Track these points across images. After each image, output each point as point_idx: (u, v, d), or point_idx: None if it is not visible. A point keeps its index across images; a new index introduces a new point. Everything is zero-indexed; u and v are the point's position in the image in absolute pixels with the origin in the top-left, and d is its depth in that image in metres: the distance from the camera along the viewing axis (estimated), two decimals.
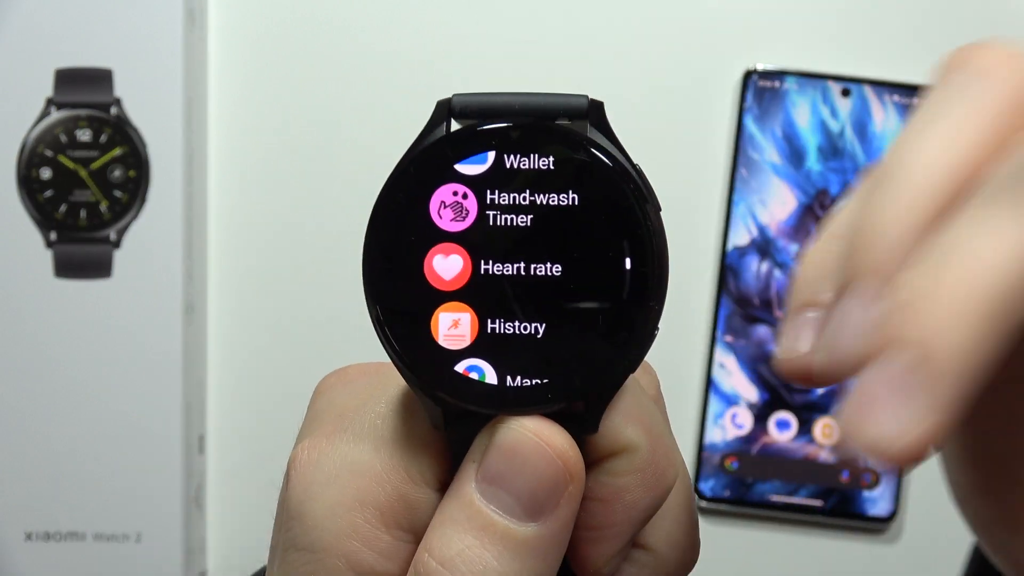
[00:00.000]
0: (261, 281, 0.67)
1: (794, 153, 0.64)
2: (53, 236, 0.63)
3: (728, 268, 0.64)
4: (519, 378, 0.23)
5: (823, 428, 0.65)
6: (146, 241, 0.63)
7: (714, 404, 0.65)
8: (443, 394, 0.23)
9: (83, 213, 0.63)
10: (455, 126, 0.24)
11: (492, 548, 0.23)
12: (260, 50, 0.66)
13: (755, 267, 0.64)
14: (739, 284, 0.64)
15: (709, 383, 0.65)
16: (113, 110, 0.63)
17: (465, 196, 0.23)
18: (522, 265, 0.23)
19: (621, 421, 0.24)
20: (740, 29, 0.65)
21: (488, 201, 0.23)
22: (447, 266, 0.23)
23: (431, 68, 0.66)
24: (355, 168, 0.66)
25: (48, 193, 0.63)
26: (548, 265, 0.23)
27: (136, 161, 0.63)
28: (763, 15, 0.65)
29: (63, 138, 0.63)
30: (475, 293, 0.23)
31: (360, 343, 0.66)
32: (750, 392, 0.65)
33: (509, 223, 0.23)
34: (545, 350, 0.23)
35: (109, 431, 0.64)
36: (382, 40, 0.66)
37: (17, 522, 0.64)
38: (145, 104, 0.63)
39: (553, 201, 0.23)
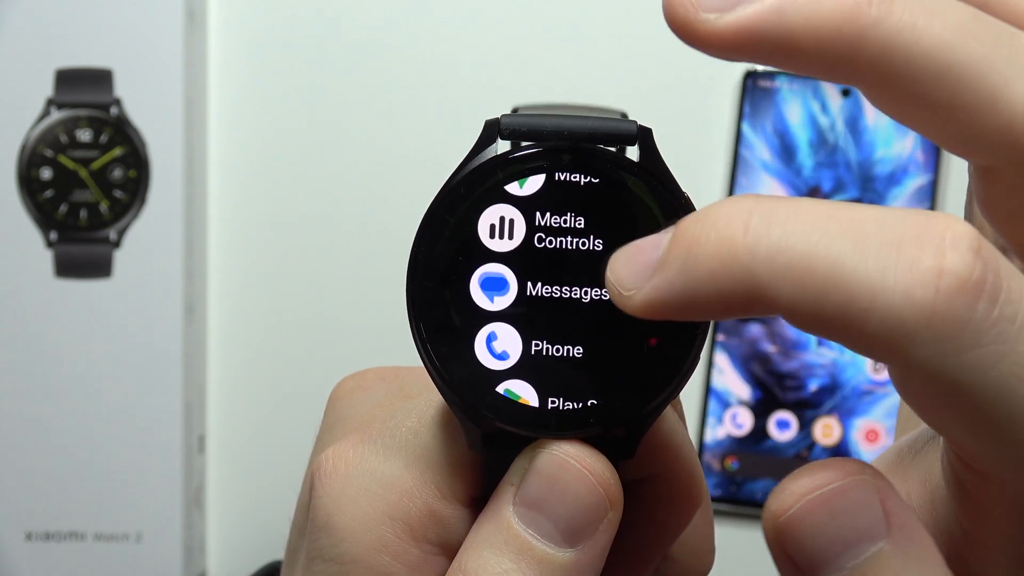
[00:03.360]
0: (261, 281, 0.67)
1: (785, 151, 0.64)
2: (53, 236, 0.63)
3: None
4: (561, 401, 0.23)
5: (823, 427, 0.65)
6: (146, 241, 0.63)
7: (712, 406, 0.65)
8: (483, 414, 0.23)
9: (83, 213, 0.63)
10: (502, 145, 0.23)
11: (529, 572, 0.23)
12: (260, 50, 0.66)
13: None
14: None
15: (708, 383, 0.65)
16: (113, 110, 0.63)
17: (514, 217, 0.23)
18: (568, 288, 0.23)
19: (655, 446, 0.24)
20: None
21: (537, 223, 0.23)
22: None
23: (432, 68, 0.66)
24: (356, 168, 0.66)
25: (48, 193, 0.63)
26: (594, 289, 0.23)
27: (136, 161, 0.63)
28: None
29: (63, 138, 0.63)
30: (520, 314, 0.23)
31: (360, 343, 0.66)
32: (743, 391, 0.65)
33: (557, 246, 0.23)
34: (588, 374, 0.23)
35: (109, 431, 0.64)
36: (382, 40, 0.66)
37: (17, 522, 0.64)
38: (145, 104, 0.63)
39: (601, 226, 0.23)
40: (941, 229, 0.18)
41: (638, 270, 0.19)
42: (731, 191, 0.64)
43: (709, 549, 0.28)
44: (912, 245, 0.18)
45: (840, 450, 0.65)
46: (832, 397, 0.64)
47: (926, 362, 0.18)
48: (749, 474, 0.65)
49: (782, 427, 0.65)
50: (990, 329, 0.18)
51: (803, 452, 0.65)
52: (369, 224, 0.66)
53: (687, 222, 0.19)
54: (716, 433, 0.65)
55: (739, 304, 0.19)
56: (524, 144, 0.23)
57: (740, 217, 0.18)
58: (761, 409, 0.65)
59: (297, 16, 0.66)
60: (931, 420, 0.20)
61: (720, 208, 0.19)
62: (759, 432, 0.65)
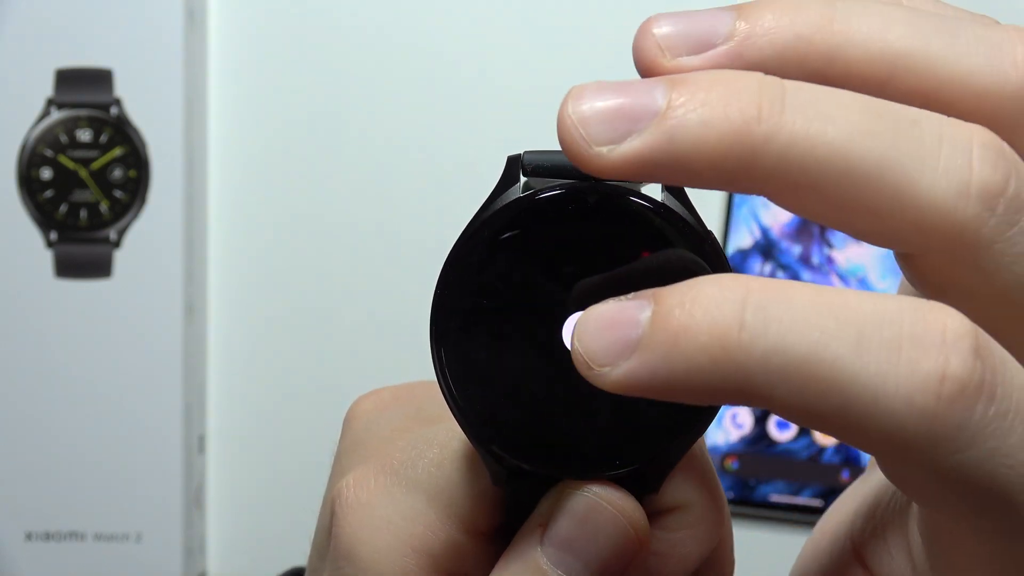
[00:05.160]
0: (261, 281, 0.67)
1: None
2: (53, 236, 0.63)
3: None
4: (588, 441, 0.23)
5: None
6: (146, 241, 0.63)
7: None
8: (508, 454, 0.23)
9: (83, 213, 0.63)
10: (523, 181, 0.23)
11: None
12: (260, 50, 0.66)
13: (758, 269, 0.64)
14: None
15: None
16: (113, 110, 0.63)
17: None
18: None
19: (678, 478, 0.24)
20: None
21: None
22: None
23: (433, 67, 0.66)
24: (356, 167, 0.66)
25: (48, 193, 0.63)
26: None
27: (136, 161, 0.63)
28: None
29: (63, 138, 0.63)
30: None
31: (360, 343, 0.66)
32: None
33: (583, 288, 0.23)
34: (615, 414, 0.23)
35: (109, 431, 0.64)
36: (383, 39, 0.66)
37: (17, 522, 0.64)
38: (145, 104, 0.63)
39: (627, 265, 0.23)
40: (940, 327, 0.18)
41: (612, 346, 0.19)
42: (730, 196, 0.64)
43: (729, 561, 0.28)
44: (913, 346, 0.18)
45: (841, 449, 0.64)
46: None
47: (921, 461, 0.18)
48: (749, 474, 0.65)
49: (782, 427, 0.65)
50: (985, 429, 0.18)
51: (811, 456, 0.65)
52: (369, 224, 0.66)
53: (670, 301, 0.18)
54: (716, 434, 0.65)
55: (726, 398, 0.18)
56: (547, 185, 0.23)
57: (734, 310, 0.18)
58: (764, 410, 0.65)
59: (297, 16, 0.66)
60: (918, 498, 0.20)
61: (709, 293, 0.18)
62: (759, 432, 0.65)
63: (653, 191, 0.23)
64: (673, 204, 0.23)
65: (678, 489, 0.24)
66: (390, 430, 0.27)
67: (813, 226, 0.64)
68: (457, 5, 0.66)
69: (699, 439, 0.25)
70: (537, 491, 0.24)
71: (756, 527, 0.66)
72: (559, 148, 0.23)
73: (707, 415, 0.23)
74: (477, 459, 0.24)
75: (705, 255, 0.23)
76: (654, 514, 0.24)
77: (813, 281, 0.64)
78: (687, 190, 0.23)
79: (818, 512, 0.65)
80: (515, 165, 0.23)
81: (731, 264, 0.66)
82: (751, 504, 0.65)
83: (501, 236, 0.23)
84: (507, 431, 0.23)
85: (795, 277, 0.64)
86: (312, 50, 0.66)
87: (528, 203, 0.23)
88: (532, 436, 0.23)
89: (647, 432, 0.23)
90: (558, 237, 0.23)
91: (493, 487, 0.24)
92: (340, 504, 0.25)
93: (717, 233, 0.65)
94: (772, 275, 0.64)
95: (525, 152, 0.23)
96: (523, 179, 0.23)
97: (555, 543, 0.23)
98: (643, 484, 0.24)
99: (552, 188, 0.23)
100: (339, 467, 0.28)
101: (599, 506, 0.23)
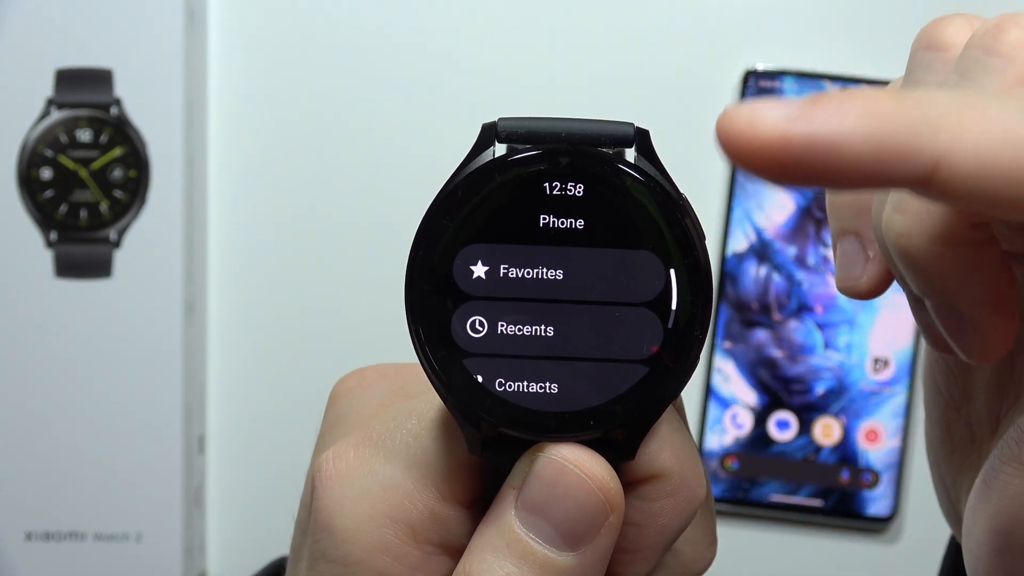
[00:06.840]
0: (261, 281, 0.67)
1: None
2: (53, 236, 0.63)
3: (726, 275, 0.64)
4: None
5: (823, 428, 0.65)
6: (146, 241, 0.63)
7: (713, 409, 0.65)
8: (484, 419, 0.23)
9: (83, 213, 0.63)
10: (500, 149, 0.23)
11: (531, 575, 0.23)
12: (260, 50, 0.66)
13: (753, 272, 0.64)
14: (737, 290, 0.64)
15: (708, 389, 0.65)
16: (113, 110, 0.63)
17: None
18: None
19: (655, 447, 0.24)
20: (740, 29, 0.65)
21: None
22: None
23: (433, 67, 0.66)
24: (356, 167, 0.66)
25: (48, 193, 0.63)
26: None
27: (136, 161, 0.63)
28: (763, 15, 0.65)
29: (63, 138, 0.63)
30: None
31: (360, 342, 0.66)
32: (750, 397, 0.65)
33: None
34: (588, 378, 0.23)
35: (109, 431, 0.64)
36: (383, 39, 0.66)
37: (17, 522, 0.64)
38: (145, 104, 0.63)
39: (600, 228, 0.23)
40: None
41: (778, 111, 0.18)
42: (732, 191, 0.64)
43: (711, 540, 0.28)
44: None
45: (839, 449, 0.64)
46: (838, 400, 0.64)
47: None
48: (749, 474, 0.65)
49: (782, 427, 0.65)
50: None
51: (810, 456, 0.65)
52: (369, 223, 0.66)
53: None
54: (716, 434, 0.65)
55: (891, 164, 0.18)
56: (522, 147, 0.23)
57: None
58: (763, 411, 0.65)
59: (297, 16, 0.66)
60: None
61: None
62: (758, 432, 0.65)
63: (627, 156, 0.23)
64: (646, 167, 0.23)
65: (655, 458, 0.25)
66: (373, 406, 0.28)
67: (808, 226, 0.64)
68: (458, 5, 0.66)
69: (675, 407, 0.26)
70: (513, 458, 0.24)
71: (756, 527, 0.66)
72: (534, 115, 0.23)
73: (680, 378, 0.23)
74: (454, 428, 0.24)
75: (678, 217, 0.23)
76: (631, 484, 0.24)
77: (810, 282, 0.64)
78: (663, 156, 0.24)
79: (818, 512, 0.65)
80: (489, 132, 0.24)
81: (728, 268, 0.65)
82: (751, 504, 0.65)
83: (474, 199, 0.23)
84: (488, 398, 0.23)
85: (791, 278, 0.64)
86: (312, 50, 0.66)
87: (501, 165, 0.23)
88: (511, 401, 0.23)
89: (620, 395, 0.23)
90: (531, 199, 0.23)
91: (471, 456, 0.24)
92: (319, 477, 0.25)
93: (717, 235, 0.65)
94: (767, 278, 0.64)
95: (499, 119, 0.24)
96: (497, 145, 0.24)
97: (526, 506, 0.23)
98: (618, 450, 0.24)
99: (526, 150, 0.23)
100: (321, 443, 0.28)
101: (566, 469, 0.23)
